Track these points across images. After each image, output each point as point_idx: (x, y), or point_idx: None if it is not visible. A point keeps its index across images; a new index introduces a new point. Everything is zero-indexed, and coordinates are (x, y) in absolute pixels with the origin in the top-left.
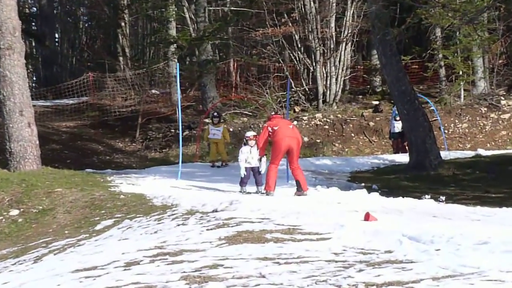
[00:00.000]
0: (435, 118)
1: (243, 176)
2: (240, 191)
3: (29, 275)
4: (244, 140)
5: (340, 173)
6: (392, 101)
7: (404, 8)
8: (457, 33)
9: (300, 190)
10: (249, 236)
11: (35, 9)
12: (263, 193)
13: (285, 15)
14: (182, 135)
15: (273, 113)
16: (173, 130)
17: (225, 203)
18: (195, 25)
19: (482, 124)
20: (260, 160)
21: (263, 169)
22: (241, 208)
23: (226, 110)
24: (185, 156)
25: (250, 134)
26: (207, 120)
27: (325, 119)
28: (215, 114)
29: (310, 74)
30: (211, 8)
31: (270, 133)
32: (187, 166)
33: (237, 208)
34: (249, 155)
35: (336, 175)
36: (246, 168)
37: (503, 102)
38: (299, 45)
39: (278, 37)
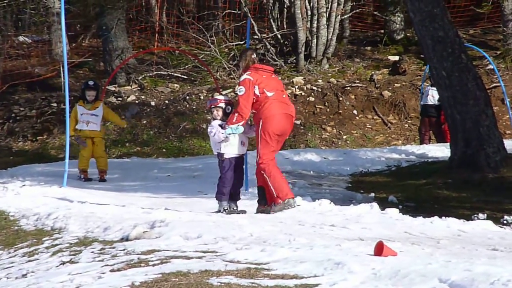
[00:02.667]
0: (495, 84)
1: (220, 140)
2: (220, 210)
3: None
4: (211, 112)
5: (334, 176)
6: (422, 56)
7: None
8: None
9: (264, 204)
10: (182, 282)
11: None
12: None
13: None
14: (70, 113)
15: (253, 55)
16: (55, 105)
17: (142, 226)
18: None
19: None
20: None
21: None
22: (169, 234)
23: (145, 71)
24: (75, 148)
25: (221, 97)
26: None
27: (309, 86)
28: (90, 84)
29: (285, 11)
30: None
31: (254, 99)
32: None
33: (163, 234)
34: (226, 137)
35: (329, 178)
36: (227, 158)
37: None
38: None
39: None
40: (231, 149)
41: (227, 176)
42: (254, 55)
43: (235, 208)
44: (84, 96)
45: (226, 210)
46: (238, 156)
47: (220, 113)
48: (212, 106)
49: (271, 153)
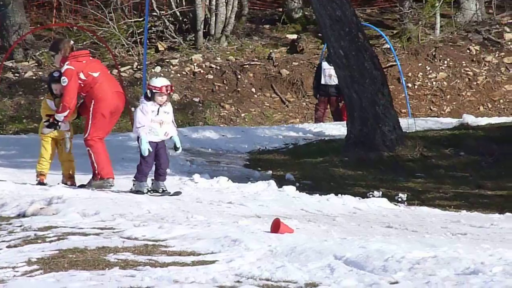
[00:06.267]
0: (391, 63)
1: (145, 154)
2: (138, 190)
3: None
4: (148, 92)
5: (232, 154)
6: (320, 35)
7: None
8: None
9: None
10: (79, 259)
11: None
12: (166, 193)
13: None
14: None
15: (71, 42)
16: None
17: (39, 203)
18: None
19: (471, 73)
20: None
21: (179, 146)
22: (66, 211)
23: (42, 47)
24: None
25: (160, 83)
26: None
27: (208, 63)
28: (55, 76)
29: None
30: None
31: (81, 84)
32: None
33: (60, 210)
34: (154, 121)
35: (227, 156)
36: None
37: (508, 35)
38: None
39: None
40: (151, 137)
41: (147, 159)
42: (72, 42)
43: (164, 189)
44: (50, 90)
45: (151, 191)
46: (156, 142)
47: (159, 97)
48: (154, 90)
49: (100, 132)
